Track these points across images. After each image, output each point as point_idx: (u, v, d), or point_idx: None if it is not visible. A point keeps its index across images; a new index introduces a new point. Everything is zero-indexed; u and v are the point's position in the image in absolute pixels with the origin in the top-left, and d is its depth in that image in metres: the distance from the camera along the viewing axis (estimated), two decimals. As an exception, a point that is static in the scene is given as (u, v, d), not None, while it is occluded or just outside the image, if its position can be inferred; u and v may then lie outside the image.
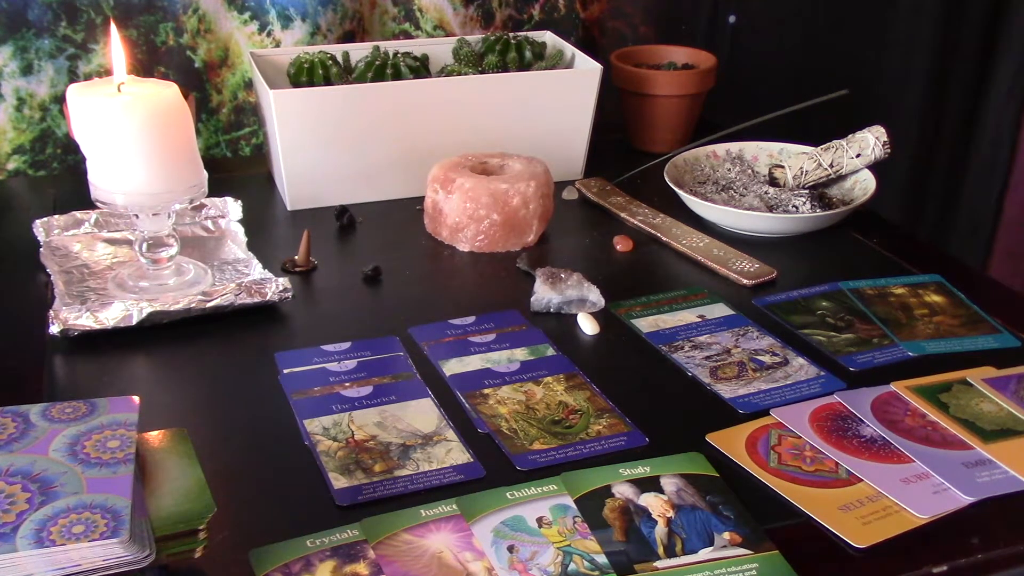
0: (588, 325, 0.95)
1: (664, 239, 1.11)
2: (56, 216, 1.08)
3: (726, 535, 0.68)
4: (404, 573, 0.65)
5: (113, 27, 0.95)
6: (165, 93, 0.92)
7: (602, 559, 0.66)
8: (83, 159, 0.94)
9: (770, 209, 1.14)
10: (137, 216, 0.95)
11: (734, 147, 1.26)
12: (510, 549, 0.67)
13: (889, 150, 1.15)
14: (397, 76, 1.19)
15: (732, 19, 1.64)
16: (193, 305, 0.92)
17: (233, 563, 0.66)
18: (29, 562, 0.56)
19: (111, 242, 1.07)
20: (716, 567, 0.66)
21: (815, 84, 1.26)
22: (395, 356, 0.89)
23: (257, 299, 0.94)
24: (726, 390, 0.85)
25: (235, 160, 1.36)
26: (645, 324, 0.95)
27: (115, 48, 0.93)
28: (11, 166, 1.26)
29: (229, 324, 0.93)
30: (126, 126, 0.90)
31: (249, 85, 1.33)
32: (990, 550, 0.69)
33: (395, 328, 0.94)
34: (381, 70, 1.19)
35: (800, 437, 0.79)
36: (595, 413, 0.82)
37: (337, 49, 1.24)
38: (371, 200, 1.20)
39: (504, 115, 1.20)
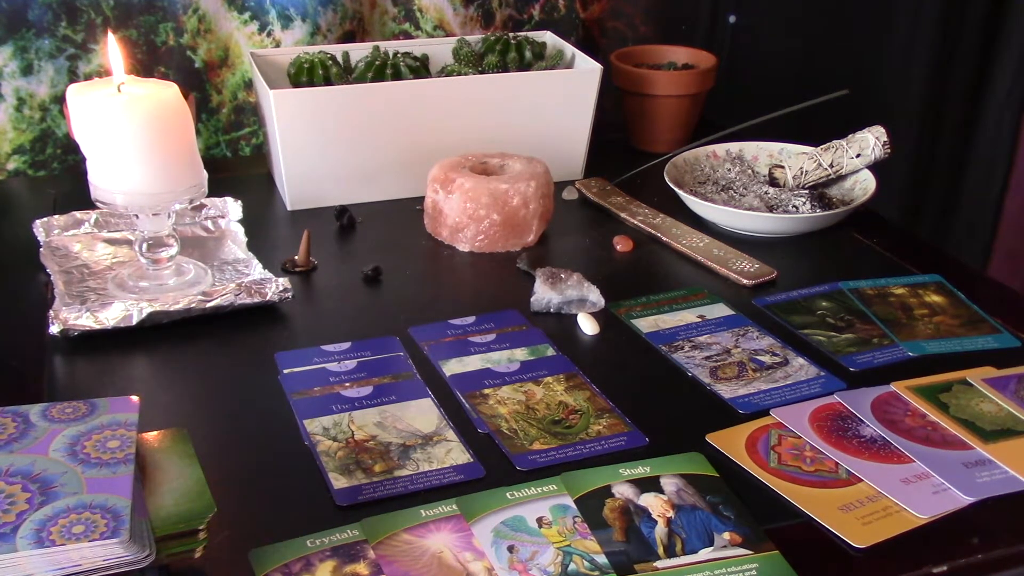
0: (588, 325, 0.95)
1: (664, 239, 1.11)
2: (56, 216, 1.08)
3: (726, 535, 0.68)
4: (404, 573, 0.65)
5: (111, 36, 0.95)
6: (165, 93, 0.92)
7: (602, 559, 0.66)
8: (83, 159, 0.94)
9: (770, 209, 1.14)
10: (137, 216, 0.95)
11: (734, 147, 1.25)
12: (510, 549, 0.67)
13: (889, 150, 1.15)
14: (397, 76, 1.18)
15: (732, 19, 1.64)
16: (193, 305, 0.92)
17: (233, 563, 0.66)
18: (29, 562, 0.56)
19: (111, 242, 1.07)
20: (716, 567, 0.66)
21: (815, 84, 1.26)
22: (395, 356, 0.89)
23: (257, 299, 0.94)
24: (726, 390, 0.85)
25: (235, 160, 1.36)
26: (645, 324, 0.95)
27: (113, 58, 0.93)
28: (11, 166, 1.26)
29: (229, 324, 0.93)
30: (126, 126, 0.90)
31: (249, 85, 1.33)
32: (990, 550, 0.69)
33: (395, 328, 0.94)
34: (381, 70, 1.19)
35: (800, 437, 0.79)
36: (595, 413, 0.82)
37: (337, 49, 1.23)
38: (371, 200, 1.19)
39: (504, 115, 1.20)
